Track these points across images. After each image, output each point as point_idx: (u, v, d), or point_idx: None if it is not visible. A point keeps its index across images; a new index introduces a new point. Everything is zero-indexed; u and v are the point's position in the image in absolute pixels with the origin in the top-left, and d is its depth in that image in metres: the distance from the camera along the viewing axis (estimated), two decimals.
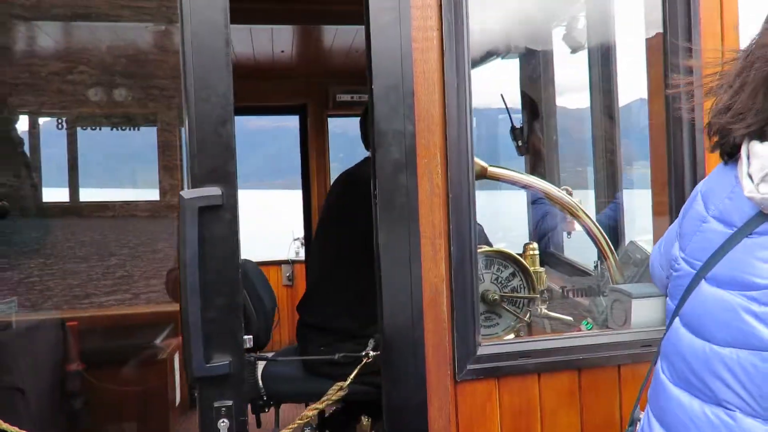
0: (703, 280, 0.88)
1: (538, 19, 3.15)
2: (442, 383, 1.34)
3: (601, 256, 1.77)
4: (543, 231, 3.24)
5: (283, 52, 3.81)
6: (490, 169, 1.59)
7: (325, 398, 1.52)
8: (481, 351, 1.44)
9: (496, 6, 3.40)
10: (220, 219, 1.21)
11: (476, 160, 1.59)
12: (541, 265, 2.56)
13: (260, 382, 2.45)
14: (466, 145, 1.40)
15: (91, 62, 3.96)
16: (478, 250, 1.95)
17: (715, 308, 0.84)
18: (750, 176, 0.80)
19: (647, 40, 1.85)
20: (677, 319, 0.93)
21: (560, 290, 2.40)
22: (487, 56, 3.68)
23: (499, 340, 1.61)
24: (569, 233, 2.85)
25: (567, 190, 3.15)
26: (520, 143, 3.33)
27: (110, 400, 3.01)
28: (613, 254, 1.76)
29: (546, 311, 2.04)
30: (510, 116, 3.39)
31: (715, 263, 0.86)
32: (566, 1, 2.98)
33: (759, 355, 0.75)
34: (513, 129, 3.34)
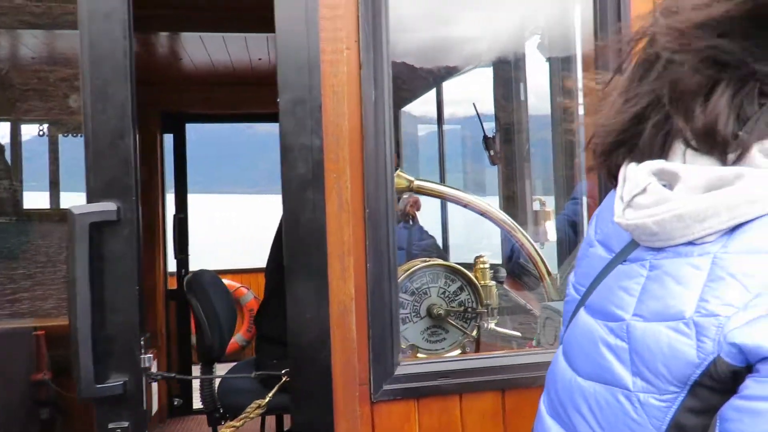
0: (582, 307, 0.83)
1: (510, 28, 3.12)
2: (350, 405, 1.29)
3: (539, 277, 1.72)
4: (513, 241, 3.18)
5: (260, 59, 3.79)
6: (416, 183, 1.55)
7: (243, 416, 1.47)
8: (400, 371, 1.39)
9: (470, 16, 3.38)
10: (116, 235, 1.18)
11: (401, 174, 1.55)
12: (514, 277, 2.51)
13: (216, 394, 2.41)
14: (384, 159, 1.35)
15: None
16: (425, 263, 1.92)
17: (584, 338, 0.79)
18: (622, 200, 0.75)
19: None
20: (560, 347, 0.88)
21: (524, 304, 2.35)
22: (464, 66, 3.65)
23: (418, 360, 1.56)
24: (542, 244, 2.79)
25: (540, 201, 3.10)
26: (492, 152, 3.29)
27: (80, 410, 2.99)
28: (550, 275, 1.71)
29: (494, 327, 1.99)
30: (482, 125, 3.35)
31: (593, 290, 0.81)
32: (538, 11, 2.94)
33: (610, 390, 0.70)
34: (485, 138, 3.30)
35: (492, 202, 3.39)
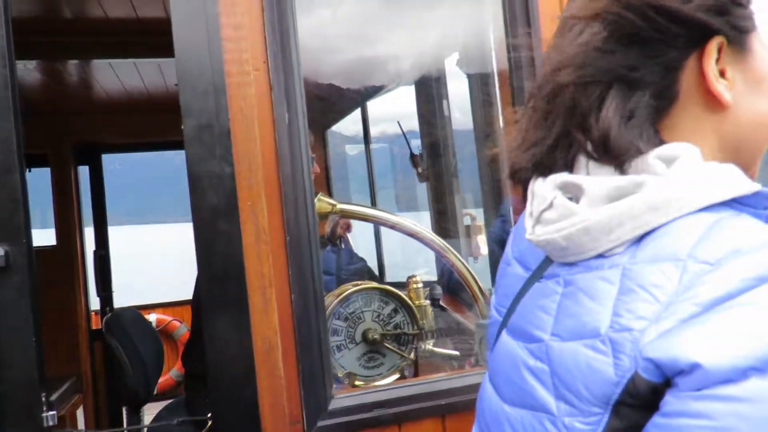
0: (504, 329, 0.78)
1: (430, 46, 3.13)
2: None
3: (473, 296, 1.69)
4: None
5: (176, 85, 3.65)
6: (340, 206, 1.48)
7: None
8: (335, 404, 1.31)
9: (391, 35, 3.37)
10: (5, 283, 1.05)
11: (322, 198, 1.48)
12: (452, 294, 2.47)
13: None
14: (303, 183, 1.29)
15: None
16: (357, 287, 1.85)
17: (506, 362, 0.75)
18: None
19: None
20: (486, 372, 0.84)
21: (462, 322, 2.31)
22: (386, 84, 3.64)
23: (354, 391, 1.49)
24: (476, 258, 2.78)
25: (470, 215, 3.09)
26: (420, 170, 3.28)
27: None
28: (483, 294, 1.68)
29: (431, 347, 1.94)
30: (408, 143, 3.33)
31: (513, 311, 0.77)
32: (456, 28, 2.96)
33: (536, 416, 0.65)
34: (412, 156, 3.28)
35: (424, 219, 3.39)
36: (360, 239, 3.02)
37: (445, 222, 3.22)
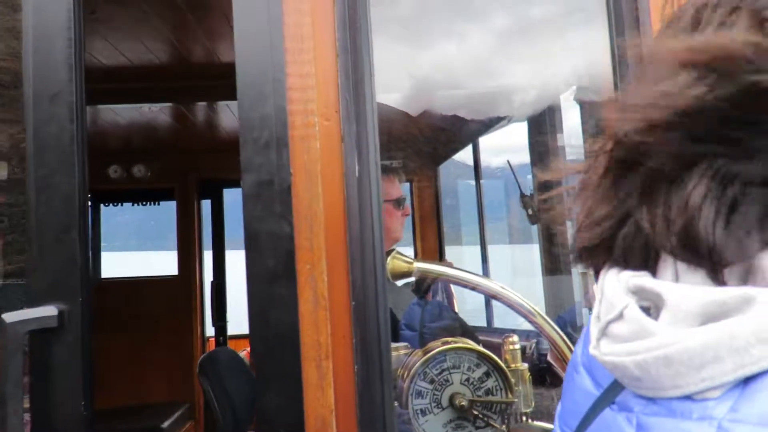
0: None
1: (547, 79, 2.95)
2: None
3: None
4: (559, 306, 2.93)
5: None
6: (417, 265, 1.34)
7: None
8: None
9: (503, 70, 3.22)
10: (58, 343, 1.02)
11: (398, 256, 1.34)
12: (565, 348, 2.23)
13: None
14: (372, 242, 1.16)
15: None
16: (442, 347, 1.68)
17: None
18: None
19: None
20: None
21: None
22: (497, 121, 3.47)
23: None
24: (590, 309, 2.51)
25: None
26: (530, 211, 3.07)
27: None
28: None
29: (528, 421, 1.73)
30: (518, 183, 3.14)
31: None
32: (575, 60, 2.76)
33: None
34: (522, 196, 3.08)
35: (534, 252, 3.16)
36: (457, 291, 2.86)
37: (556, 268, 2.97)
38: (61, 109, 1.05)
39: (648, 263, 0.51)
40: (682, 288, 0.46)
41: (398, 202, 2.26)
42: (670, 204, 0.47)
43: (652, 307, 0.49)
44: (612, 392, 0.54)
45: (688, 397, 0.44)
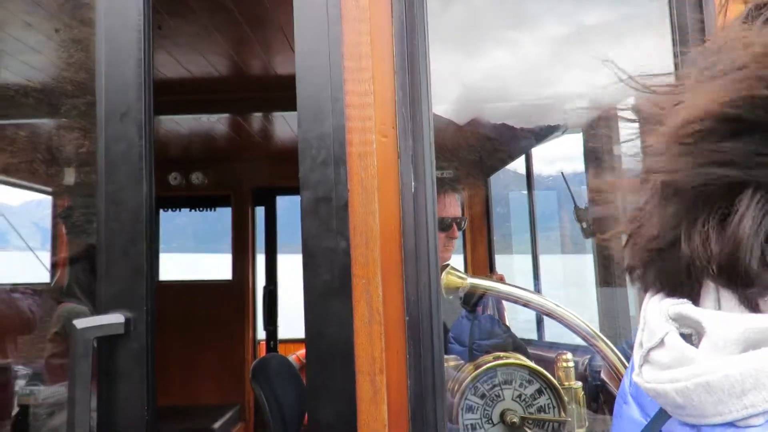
0: None
1: (602, 91, 2.89)
2: None
3: None
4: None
5: None
6: (470, 281, 1.33)
7: None
8: None
9: (560, 79, 3.17)
10: (125, 349, 1.06)
11: (452, 272, 1.34)
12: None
13: None
14: (427, 258, 1.16)
15: None
16: (494, 362, 1.66)
17: None
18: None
19: None
20: None
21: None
22: (551, 131, 3.41)
23: None
24: None
25: None
26: (584, 225, 2.99)
27: None
28: None
29: None
30: (572, 196, 3.07)
31: None
32: (634, 64, 2.68)
33: None
34: (576, 209, 3.01)
35: (588, 263, 3.09)
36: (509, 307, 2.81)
37: (612, 286, 2.89)
38: (130, 127, 1.10)
39: (691, 290, 0.51)
40: (721, 315, 0.46)
41: (443, 224, 2.13)
42: (711, 229, 0.47)
43: (693, 334, 0.49)
44: (658, 421, 0.53)
45: (731, 424, 0.44)
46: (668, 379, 0.48)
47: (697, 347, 0.48)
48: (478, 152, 3.87)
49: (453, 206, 2.25)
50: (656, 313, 0.52)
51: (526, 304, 1.38)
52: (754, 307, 0.45)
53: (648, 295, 0.55)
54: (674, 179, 0.49)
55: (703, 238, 0.48)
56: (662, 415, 0.53)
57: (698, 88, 0.50)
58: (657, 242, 0.53)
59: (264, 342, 4.30)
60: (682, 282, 0.52)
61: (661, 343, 0.50)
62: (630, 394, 0.61)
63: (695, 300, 0.51)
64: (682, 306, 0.51)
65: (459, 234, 2.22)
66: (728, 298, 0.47)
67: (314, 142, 1.10)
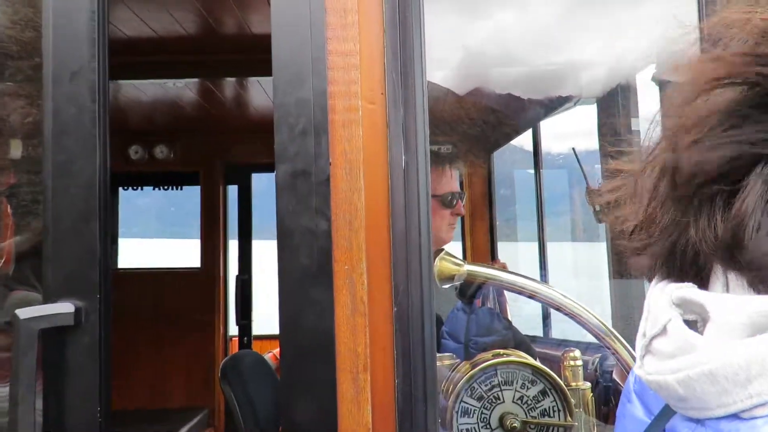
0: None
1: (620, 58, 2.89)
2: None
3: None
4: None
5: None
6: (467, 267, 1.33)
7: None
8: None
9: (571, 46, 3.16)
10: (74, 343, 1.05)
11: (447, 258, 1.34)
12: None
13: None
14: (419, 241, 1.16)
15: None
16: (493, 359, 1.67)
17: None
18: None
19: None
20: None
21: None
22: (562, 102, 3.41)
23: None
24: None
25: None
26: (597, 207, 3.01)
27: None
28: None
29: None
30: (584, 175, 3.08)
31: None
32: (656, 33, 2.69)
33: None
34: (588, 189, 3.02)
35: (601, 251, 3.11)
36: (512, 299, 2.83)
37: (626, 268, 2.92)
38: (81, 88, 1.08)
39: (699, 275, 0.53)
40: (727, 298, 0.48)
41: (446, 200, 2.18)
42: (717, 208, 0.49)
43: (698, 320, 0.51)
44: (662, 419, 0.56)
45: (735, 416, 0.46)
46: (670, 369, 0.49)
47: (702, 334, 0.49)
48: (480, 126, 3.86)
49: (455, 179, 2.27)
50: (660, 300, 0.54)
51: (531, 296, 1.39)
52: (762, 291, 0.47)
53: (653, 281, 0.57)
54: (687, 162, 0.51)
55: (709, 217, 0.50)
56: (666, 412, 0.55)
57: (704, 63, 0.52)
58: (662, 228, 0.55)
59: (236, 338, 4.31)
60: (689, 267, 0.54)
61: (664, 330, 0.52)
62: (634, 392, 0.63)
63: (704, 286, 0.53)
64: (686, 290, 0.53)
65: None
66: (736, 281, 0.49)
67: (292, 108, 1.10)
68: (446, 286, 1.43)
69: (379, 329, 1.13)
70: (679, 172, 0.52)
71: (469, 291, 1.88)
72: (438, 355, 1.62)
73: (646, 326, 0.54)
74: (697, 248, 0.52)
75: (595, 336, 1.39)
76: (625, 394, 0.66)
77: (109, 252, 1.10)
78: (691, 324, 0.51)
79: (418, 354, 1.15)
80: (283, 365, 1.09)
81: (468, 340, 1.70)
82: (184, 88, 3.58)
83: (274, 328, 4.74)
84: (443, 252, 1.35)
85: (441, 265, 1.32)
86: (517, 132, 3.93)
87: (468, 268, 1.34)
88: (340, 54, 1.13)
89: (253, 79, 3.40)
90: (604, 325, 1.39)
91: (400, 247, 1.15)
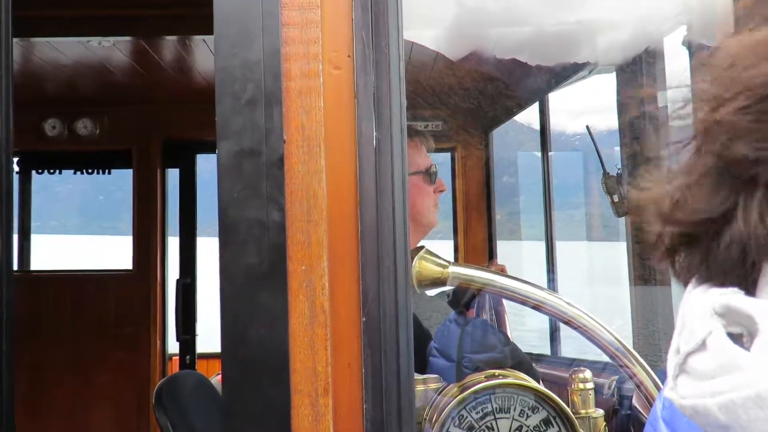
0: None
1: (644, 18, 2.92)
2: None
3: None
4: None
5: None
6: (453, 269, 1.34)
7: None
8: None
9: (586, 2, 3.19)
10: None
11: (427, 256, 1.35)
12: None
13: None
14: (393, 236, 1.17)
15: None
16: (486, 382, 1.69)
17: None
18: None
19: None
20: None
21: None
22: (575, 70, 3.44)
23: None
24: None
25: None
26: (615, 198, 3.04)
27: None
28: None
29: None
30: (600, 159, 3.11)
31: None
32: None
33: None
34: (605, 176, 3.05)
35: (621, 254, 3.14)
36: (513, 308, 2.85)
37: (650, 272, 2.95)
38: None
39: (746, 278, 0.53)
40: None
41: (429, 174, 2.21)
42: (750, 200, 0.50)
43: (744, 334, 0.51)
44: None
45: None
46: (710, 392, 0.49)
47: (749, 350, 0.49)
48: (476, 98, 3.88)
49: (426, 154, 2.29)
50: (698, 309, 0.54)
51: (536, 306, 1.40)
52: None
53: (690, 287, 0.57)
54: (732, 134, 0.51)
55: (761, 206, 0.50)
56: None
57: None
58: (705, 216, 0.55)
59: (177, 357, 4.30)
60: (734, 268, 0.54)
61: (703, 345, 0.51)
62: (662, 420, 0.63)
63: (751, 291, 0.53)
64: (731, 296, 0.52)
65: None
66: None
67: (237, 72, 1.10)
68: (431, 292, 1.44)
69: (344, 343, 1.14)
70: (725, 147, 0.53)
71: (464, 299, 1.88)
72: (420, 376, 1.63)
73: (681, 341, 0.54)
74: (745, 245, 0.52)
75: (611, 355, 1.41)
76: (650, 422, 0.66)
77: (12, 248, 1.10)
78: (735, 338, 0.51)
79: (391, 373, 1.16)
80: (225, 387, 1.09)
81: (461, 357, 1.71)
82: (112, 49, 3.55)
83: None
84: (423, 250, 1.36)
85: (420, 265, 1.32)
86: (521, 106, 3.96)
87: (454, 270, 1.35)
88: (297, 7, 1.13)
89: (197, 38, 3.38)
90: (620, 343, 1.40)
91: (370, 242, 1.16)
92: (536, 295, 1.41)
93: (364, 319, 1.15)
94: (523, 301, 1.40)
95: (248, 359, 1.09)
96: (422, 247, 1.37)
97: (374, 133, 1.17)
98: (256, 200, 1.09)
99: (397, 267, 1.17)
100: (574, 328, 1.41)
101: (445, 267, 1.35)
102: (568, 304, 1.40)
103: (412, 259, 1.33)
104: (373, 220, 1.16)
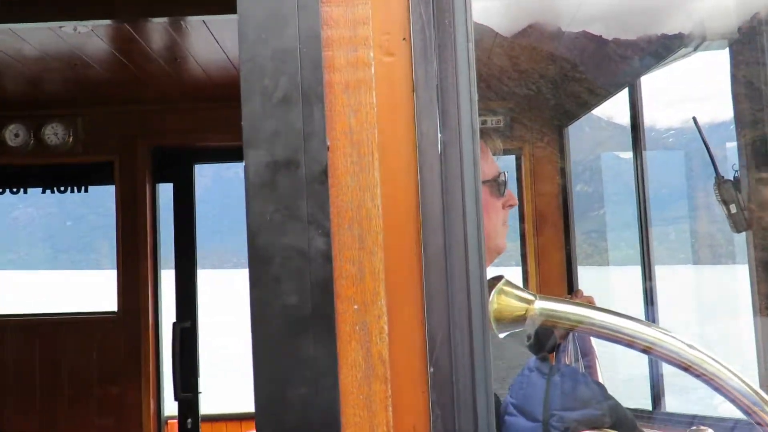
0: None
1: None
2: None
3: None
4: None
5: None
6: (540, 304, 1.34)
7: None
8: None
9: None
10: None
11: (506, 288, 1.35)
12: None
13: None
14: (465, 268, 1.18)
15: None
16: None
17: None
18: None
19: None
20: None
21: None
22: (673, 47, 3.43)
23: None
24: None
25: None
26: (733, 208, 3.02)
27: None
28: None
29: None
30: (712, 159, 3.10)
31: None
32: None
33: None
34: (719, 181, 3.04)
35: (741, 291, 3.12)
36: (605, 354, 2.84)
37: None
38: None
39: None
40: None
41: (498, 184, 2.19)
42: None
43: None
44: None
45: None
46: None
47: None
48: (536, 84, 3.87)
49: (492, 159, 2.28)
50: None
51: (647, 349, 1.39)
52: None
53: None
54: None
55: None
56: None
57: None
58: None
59: (175, 421, 4.32)
60: None
61: None
62: None
63: None
64: None
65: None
66: None
67: (267, 64, 1.11)
68: (504, 334, 1.44)
69: (407, 401, 1.15)
70: None
71: (549, 342, 1.87)
72: None
73: None
74: None
75: (740, 406, 1.40)
76: None
77: None
78: None
79: None
80: None
81: (548, 416, 1.70)
82: (89, 35, 3.60)
83: (233, 404, 4.75)
84: (503, 281, 1.36)
85: (500, 301, 1.32)
86: (602, 96, 3.94)
87: (542, 305, 1.34)
88: None
89: (195, 20, 3.42)
90: (757, 394, 1.39)
91: (437, 274, 1.17)
92: (647, 335, 1.40)
93: (432, 370, 1.16)
94: (629, 342, 1.39)
95: (289, 426, 1.10)
96: (500, 277, 1.37)
97: (439, 136, 1.18)
98: (295, 224, 1.10)
99: (472, 304, 1.17)
100: (697, 376, 1.40)
101: (530, 302, 1.35)
102: (689, 346, 1.39)
103: (489, 292, 1.33)
104: (440, 246, 1.17)
